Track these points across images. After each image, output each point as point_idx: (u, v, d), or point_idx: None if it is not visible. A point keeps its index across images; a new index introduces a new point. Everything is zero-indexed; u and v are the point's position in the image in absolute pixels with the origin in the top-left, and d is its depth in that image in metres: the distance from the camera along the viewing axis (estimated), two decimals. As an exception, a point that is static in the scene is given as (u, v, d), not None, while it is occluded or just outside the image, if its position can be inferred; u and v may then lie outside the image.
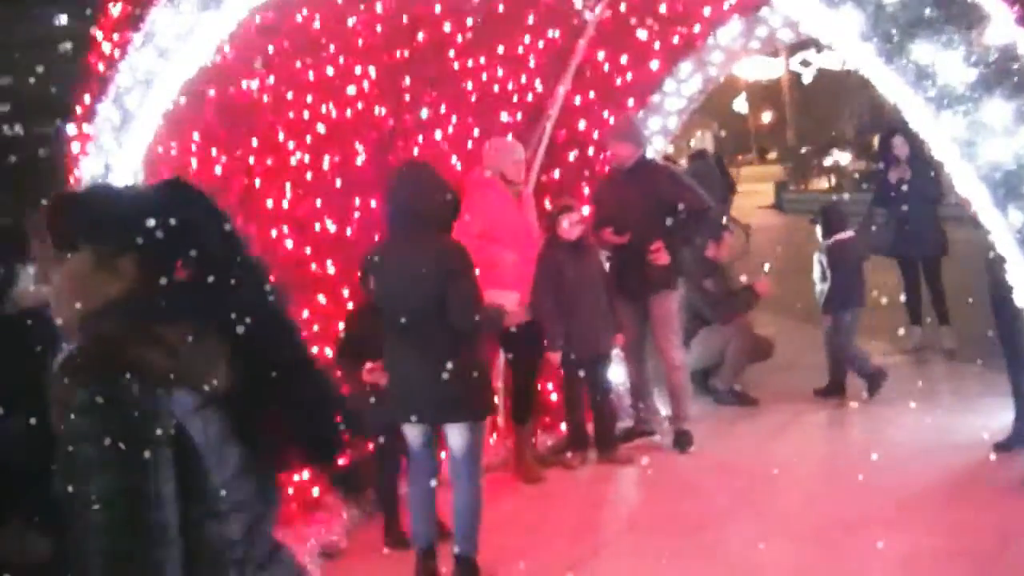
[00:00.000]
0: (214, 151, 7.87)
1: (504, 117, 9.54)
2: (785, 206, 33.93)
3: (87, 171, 6.57)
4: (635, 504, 8.17)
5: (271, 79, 8.24)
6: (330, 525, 7.62)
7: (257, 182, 8.23)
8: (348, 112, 8.76)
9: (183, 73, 6.09)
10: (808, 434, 9.27)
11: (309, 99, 8.51)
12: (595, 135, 9.80)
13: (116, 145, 6.26)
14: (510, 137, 8.93)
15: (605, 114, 9.75)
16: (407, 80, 9.09)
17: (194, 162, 7.69)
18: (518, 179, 8.37)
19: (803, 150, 40.53)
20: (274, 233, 8.22)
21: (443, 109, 9.28)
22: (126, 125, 5.81)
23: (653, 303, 8.77)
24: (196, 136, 7.71)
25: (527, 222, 8.48)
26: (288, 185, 8.36)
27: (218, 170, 7.89)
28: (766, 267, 10.98)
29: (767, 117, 54.38)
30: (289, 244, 8.25)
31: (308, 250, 8.42)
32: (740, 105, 54.16)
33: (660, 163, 9.33)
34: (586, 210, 9.10)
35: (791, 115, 45.91)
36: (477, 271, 6.56)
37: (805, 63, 44.25)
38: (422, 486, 6.66)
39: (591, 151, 9.92)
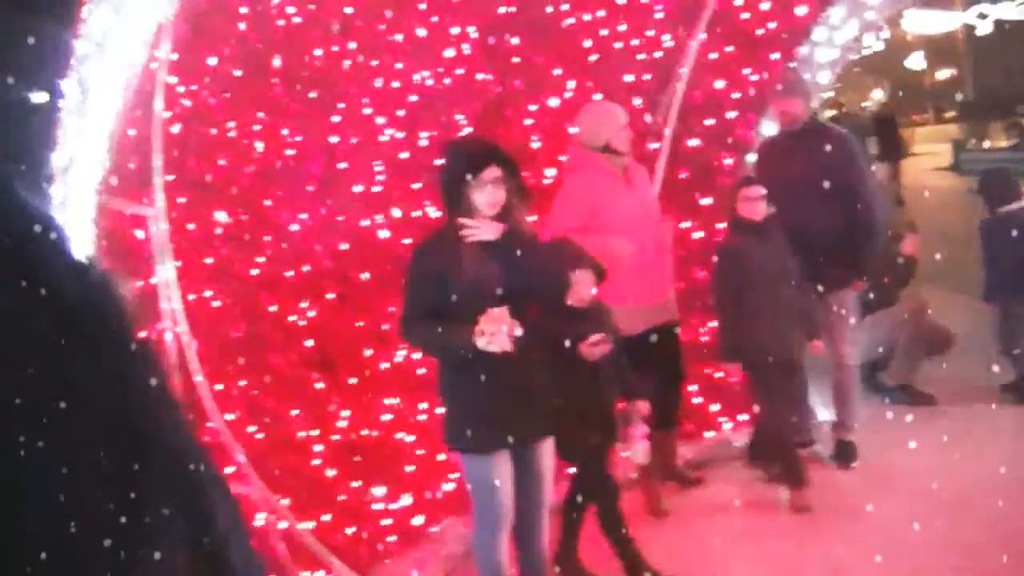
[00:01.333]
0: (285, 131, 6.79)
1: (628, 78, 8.33)
2: (963, 167, 31.75)
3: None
4: (774, 538, 6.83)
5: (351, 44, 7.14)
6: (427, 563, 6.53)
7: (341, 164, 7.15)
8: (446, 79, 7.64)
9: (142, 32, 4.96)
10: (998, 444, 7.65)
11: (399, 66, 7.41)
12: (735, 96, 8.45)
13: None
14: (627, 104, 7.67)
15: (746, 70, 8.40)
16: (514, 39, 7.93)
17: (259, 144, 6.62)
18: (624, 148, 6.98)
19: (983, 107, 38.26)
20: (366, 222, 7.16)
21: (558, 71, 8.08)
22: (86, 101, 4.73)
23: (830, 297, 7.40)
24: (261, 114, 6.64)
25: (642, 201, 7.03)
26: (380, 165, 7.26)
27: (291, 152, 6.81)
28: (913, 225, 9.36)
29: (943, 74, 51.94)
30: (385, 234, 7.18)
31: (408, 240, 7.30)
32: (913, 62, 51.90)
33: (838, 129, 7.88)
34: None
35: (968, 70, 43.62)
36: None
37: (982, 15, 42.16)
38: None
39: (731, 114, 8.57)
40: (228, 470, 5.75)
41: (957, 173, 31.02)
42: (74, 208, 4.61)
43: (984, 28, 43.08)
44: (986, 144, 34.93)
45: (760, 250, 6.85)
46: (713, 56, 8.52)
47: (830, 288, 7.20)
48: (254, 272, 6.52)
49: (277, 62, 6.72)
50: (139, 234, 5.46)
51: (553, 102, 8.06)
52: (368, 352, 7.08)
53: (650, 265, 6.89)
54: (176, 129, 6.01)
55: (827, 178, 7.11)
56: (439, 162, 5.38)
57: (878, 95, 44.18)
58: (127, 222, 5.47)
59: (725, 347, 7.04)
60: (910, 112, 47.98)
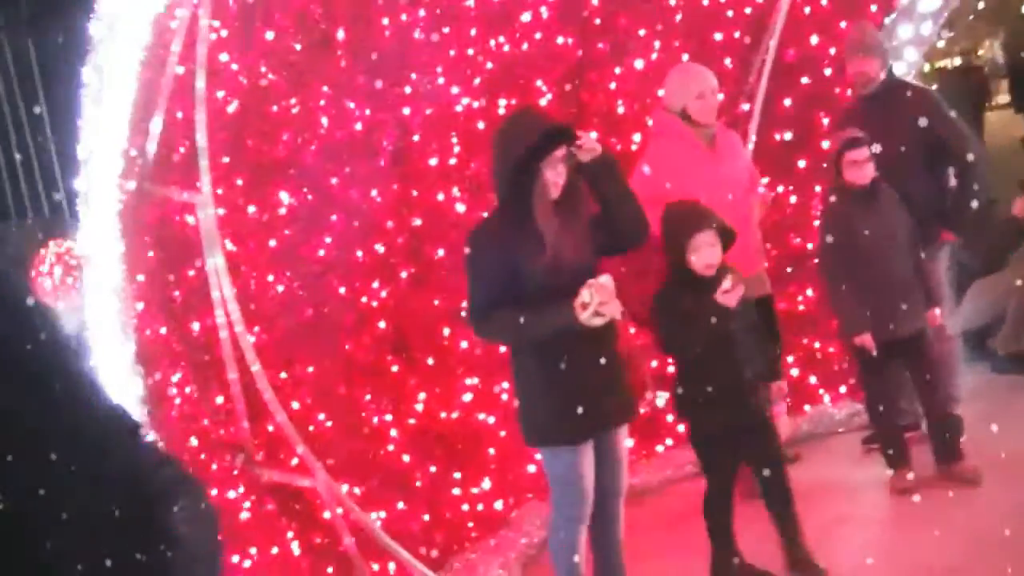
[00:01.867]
0: (351, 104, 6.51)
1: (718, 36, 7.92)
2: None
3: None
4: (873, 522, 6.42)
5: (421, 12, 6.82)
6: (505, 550, 6.28)
7: (416, 137, 6.87)
8: (524, 44, 7.30)
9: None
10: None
11: (473, 32, 7.09)
12: (832, 52, 7.98)
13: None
14: (722, 65, 7.26)
15: (843, 24, 7.90)
16: (594, 0, 7.54)
17: (324, 120, 6.35)
18: (705, 118, 6.53)
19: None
20: (441, 196, 6.88)
21: (642, 32, 7.69)
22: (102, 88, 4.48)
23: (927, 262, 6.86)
24: (325, 88, 6.37)
25: (727, 172, 6.54)
26: (455, 137, 6.97)
27: (358, 127, 6.54)
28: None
29: None
30: (461, 208, 6.89)
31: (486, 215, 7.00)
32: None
33: (917, 85, 7.39)
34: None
35: None
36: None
37: None
38: None
39: (828, 72, 8.11)
40: (292, 462, 5.54)
41: None
42: (97, 200, 4.44)
43: None
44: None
45: (869, 218, 6.38)
46: (807, 10, 8.07)
47: (925, 251, 6.72)
48: (321, 253, 6.27)
49: (341, 34, 6.42)
50: (192, 221, 5.22)
51: (638, 65, 7.67)
52: (446, 332, 6.82)
53: (737, 240, 6.45)
54: (232, 108, 5.76)
55: (913, 139, 6.68)
56: (497, 137, 5.06)
57: (993, 45, 42.65)
58: (177, 210, 5.24)
59: (842, 326, 6.67)
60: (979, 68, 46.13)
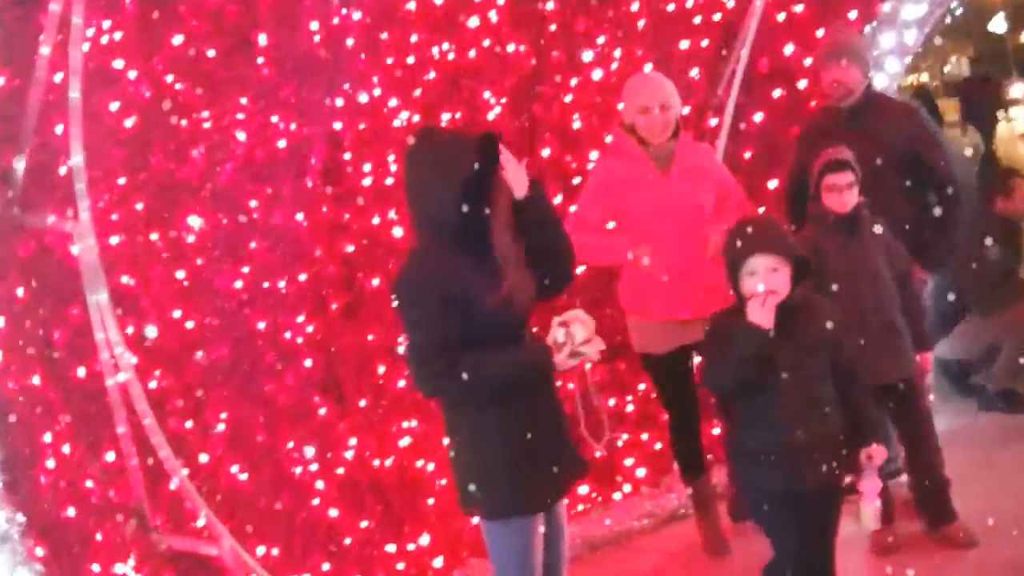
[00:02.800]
0: (274, 117, 5.85)
1: (684, 45, 7.29)
2: None
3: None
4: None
5: (356, 15, 6.18)
6: None
7: (348, 154, 6.23)
8: (471, 52, 6.66)
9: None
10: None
11: (414, 38, 6.46)
12: (808, 62, 7.36)
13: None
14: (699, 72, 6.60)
15: (820, 33, 7.29)
16: (549, 3, 6.94)
17: (243, 135, 5.69)
18: (651, 136, 5.83)
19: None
20: (376, 220, 6.25)
21: (602, 39, 7.07)
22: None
23: None
24: (244, 100, 5.71)
25: (677, 200, 5.80)
26: (392, 155, 6.33)
27: (283, 144, 5.88)
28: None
29: None
30: (398, 232, 6.24)
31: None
32: (996, 26, 50.19)
33: (902, 101, 6.76)
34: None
35: None
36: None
37: None
38: None
39: (803, 84, 7.51)
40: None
41: None
42: None
43: None
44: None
45: (848, 251, 5.64)
46: (781, 17, 7.48)
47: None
48: (238, 285, 5.61)
49: (263, 39, 5.77)
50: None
51: (597, 75, 7.04)
52: (381, 369, 6.17)
53: (684, 273, 5.77)
54: (131, 122, 5.08)
55: (894, 161, 6.05)
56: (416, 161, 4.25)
57: (959, 61, 42.77)
58: (60, 239, 4.55)
59: None
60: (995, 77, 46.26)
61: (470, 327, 4.06)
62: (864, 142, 5.95)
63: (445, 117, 6.56)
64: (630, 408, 6.97)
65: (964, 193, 6.33)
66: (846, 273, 5.59)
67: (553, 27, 6.99)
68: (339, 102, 6.18)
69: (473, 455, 4.27)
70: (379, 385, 6.16)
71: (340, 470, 5.89)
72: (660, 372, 6.05)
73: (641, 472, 6.87)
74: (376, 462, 6.05)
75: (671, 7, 7.23)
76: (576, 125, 7.04)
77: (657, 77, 6.01)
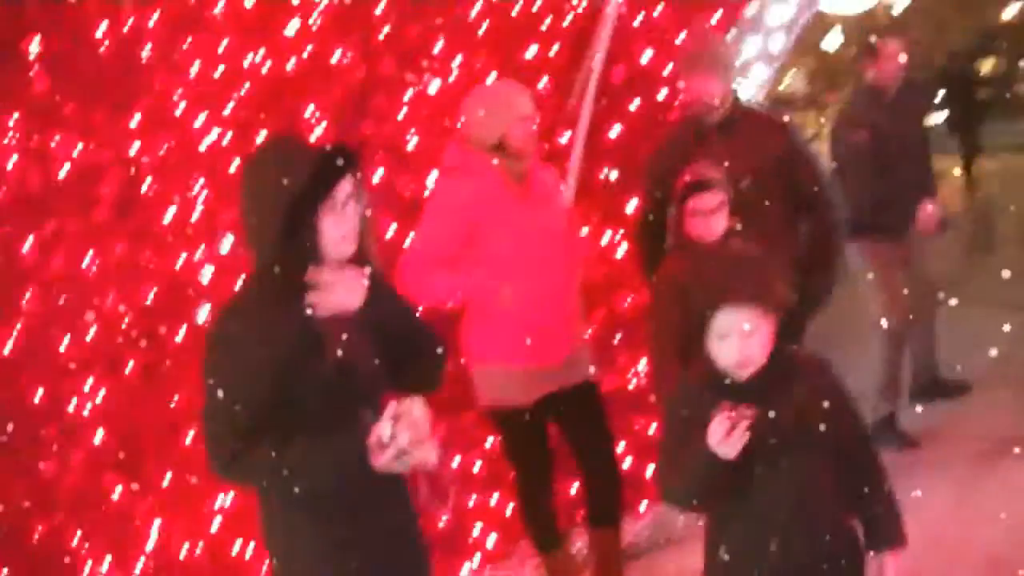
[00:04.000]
0: (57, 138, 4.92)
1: (531, 53, 6.51)
2: None
3: None
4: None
5: (152, 18, 5.29)
6: None
7: (147, 183, 5.36)
8: (290, 62, 5.82)
9: None
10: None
11: (222, 46, 5.60)
12: (668, 70, 6.66)
13: None
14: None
15: (680, 37, 6.59)
16: (378, 7, 6.10)
17: (12, 160, 4.75)
18: (524, 146, 5.14)
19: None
20: (181, 261, 5.36)
21: (439, 48, 6.26)
22: None
23: None
24: (13, 119, 4.78)
25: (540, 223, 5.12)
26: (200, 183, 5.49)
27: (65, 170, 4.95)
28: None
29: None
30: (206, 276, 5.34)
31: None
32: (828, 43, 51.37)
33: (773, 114, 6.08)
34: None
35: None
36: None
37: None
38: None
39: (663, 94, 6.77)
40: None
41: None
42: None
43: (900, 6, 42.92)
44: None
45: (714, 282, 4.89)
46: (637, 21, 6.74)
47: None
48: (7, 349, 4.66)
49: (35, 46, 4.84)
50: None
51: (434, 87, 6.22)
52: (189, 438, 5.22)
53: (552, 312, 5.06)
54: None
55: (768, 184, 5.40)
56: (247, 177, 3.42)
57: (795, 77, 43.45)
58: None
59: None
60: (827, 93, 47.36)
61: (292, 397, 3.21)
62: (732, 160, 5.24)
63: (261, 136, 5.69)
64: (477, 466, 6.14)
65: (839, 220, 5.78)
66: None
67: (383, 33, 6.16)
68: (134, 121, 5.31)
69: (285, 558, 3.44)
70: (187, 457, 5.22)
71: (140, 562, 4.96)
72: (517, 427, 5.26)
73: (491, 540, 6.04)
74: (185, 547, 5.13)
75: (515, 11, 6.46)
76: (412, 144, 6.21)
77: (518, 87, 5.36)
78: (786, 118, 6.13)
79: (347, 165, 3.28)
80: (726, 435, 3.17)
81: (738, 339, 3.30)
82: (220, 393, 3.18)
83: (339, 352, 3.27)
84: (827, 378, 3.48)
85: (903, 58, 7.16)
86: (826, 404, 3.36)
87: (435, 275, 4.92)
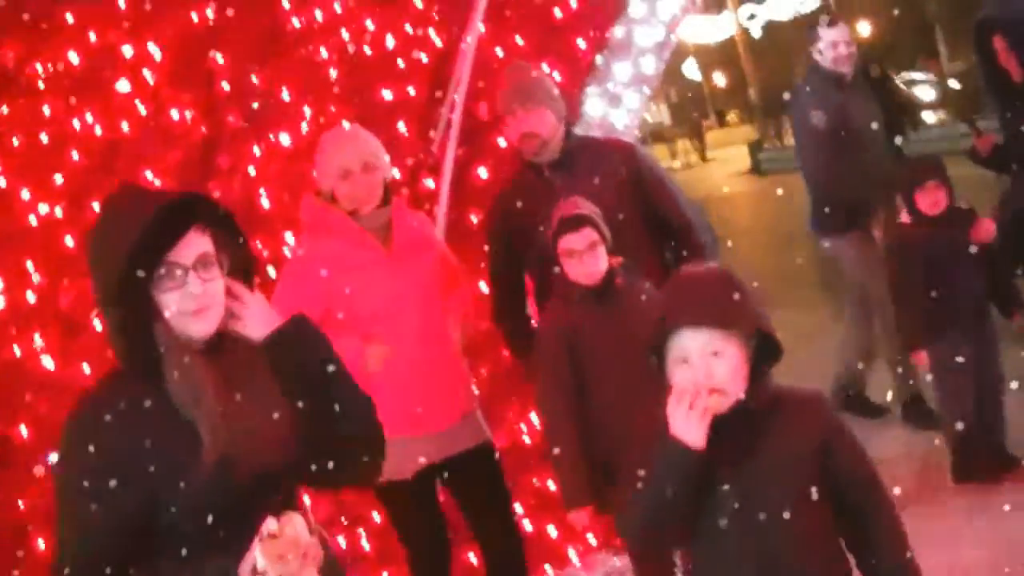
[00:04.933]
0: None
1: (387, 95, 6.07)
2: (763, 167, 31.20)
3: None
4: None
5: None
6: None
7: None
8: (124, 123, 5.30)
9: None
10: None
11: (47, 109, 5.07)
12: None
13: None
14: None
15: (544, 66, 6.11)
16: (218, 55, 5.61)
17: None
18: (357, 203, 4.63)
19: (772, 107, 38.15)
20: (18, 351, 4.83)
21: (287, 95, 5.79)
22: None
23: None
24: None
25: (407, 280, 4.61)
26: (31, 264, 5.01)
27: None
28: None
29: (721, 79, 52.17)
30: (49, 364, 4.86)
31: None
32: (690, 70, 52.10)
33: (611, 139, 5.68)
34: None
35: (750, 73, 43.43)
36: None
37: (751, 16, 42.86)
38: None
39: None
40: None
41: (757, 175, 30.56)
42: None
43: (756, 30, 43.97)
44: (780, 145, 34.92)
45: (609, 330, 4.45)
46: (500, 52, 6.28)
47: None
48: None
49: None
50: None
51: (285, 140, 5.76)
52: (41, 543, 4.71)
53: (427, 376, 4.58)
54: None
55: (628, 212, 4.94)
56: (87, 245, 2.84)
57: (657, 110, 44.08)
58: None
59: (563, 491, 4.71)
60: (693, 120, 48.17)
61: (166, 510, 2.65)
62: (577, 196, 4.78)
63: (97, 207, 5.18)
64: (366, 545, 5.63)
65: (707, 240, 5.47)
66: (609, 356, 4.44)
67: (225, 85, 5.68)
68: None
69: None
70: (37, 564, 4.66)
71: None
72: (400, 501, 4.76)
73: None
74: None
75: (368, 50, 6.00)
76: (265, 203, 5.73)
77: (355, 131, 4.81)
78: (631, 139, 5.77)
79: (193, 218, 2.73)
80: (686, 416, 2.76)
81: (700, 361, 2.81)
82: (77, 510, 2.64)
83: (218, 451, 2.67)
84: (821, 417, 2.96)
85: (851, 46, 7.05)
86: (817, 446, 2.88)
87: None
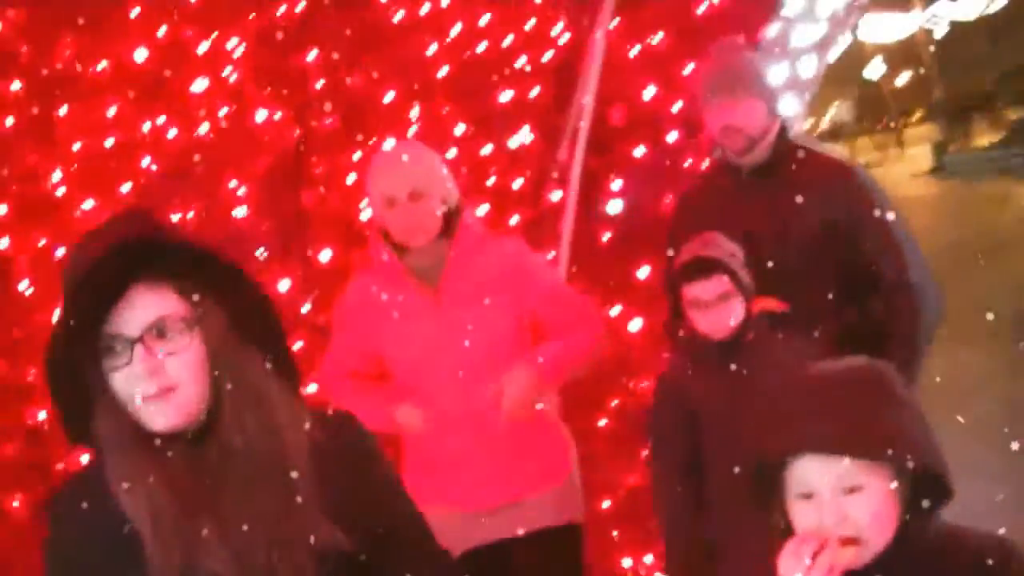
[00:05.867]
0: None
1: (505, 96, 5.39)
2: (949, 168, 30.52)
3: None
4: None
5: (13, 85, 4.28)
6: None
7: (21, 284, 4.37)
8: (203, 126, 4.72)
9: None
10: None
11: (112, 111, 4.52)
12: (677, 107, 5.47)
13: None
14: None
15: (688, 67, 5.42)
16: (310, 52, 4.99)
17: None
18: (405, 236, 3.80)
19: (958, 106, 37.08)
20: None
21: (390, 96, 5.17)
22: None
23: None
24: None
25: (451, 333, 3.76)
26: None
27: None
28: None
29: (902, 79, 51.30)
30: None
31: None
32: (870, 72, 51.43)
33: (830, 156, 4.69)
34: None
35: (934, 72, 42.39)
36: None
37: (934, 17, 42.33)
38: None
39: (673, 136, 5.55)
40: None
41: (940, 176, 30.03)
42: None
43: (941, 30, 43.35)
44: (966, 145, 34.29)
45: (733, 396, 3.59)
46: (634, 52, 5.57)
47: None
48: None
49: None
50: None
51: (389, 145, 5.10)
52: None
53: (473, 446, 3.78)
54: None
55: (824, 253, 4.05)
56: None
57: (839, 109, 43.20)
58: None
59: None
60: (874, 122, 47.68)
61: None
62: (775, 220, 4.03)
63: (174, 219, 4.65)
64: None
65: (927, 298, 4.22)
66: (725, 429, 3.57)
67: (320, 83, 5.08)
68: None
69: None
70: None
71: None
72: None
73: None
74: None
75: (481, 47, 5.34)
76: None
77: (406, 151, 3.99)
78: (854, 165, 4.73)
79: (140, 270, 2.02)
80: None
81: (831, 500, 2.07)
82: None
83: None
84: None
85: None
86: None
87: (342, 392, 3.87)
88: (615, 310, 5.40)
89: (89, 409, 2.04)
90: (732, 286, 3.64)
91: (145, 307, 2.00)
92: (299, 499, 2.02)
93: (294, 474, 2.04)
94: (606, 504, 5.28)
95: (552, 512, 3.91)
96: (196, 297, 2.04)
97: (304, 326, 4.93)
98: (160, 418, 2.01)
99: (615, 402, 5.42)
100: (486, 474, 3.76)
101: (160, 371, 1.99)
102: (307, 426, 2.11)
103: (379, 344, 3.82)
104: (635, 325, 5.48)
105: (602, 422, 5.35)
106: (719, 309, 3.63)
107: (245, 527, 2.00)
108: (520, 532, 3.82)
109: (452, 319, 3.74)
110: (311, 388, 4.26)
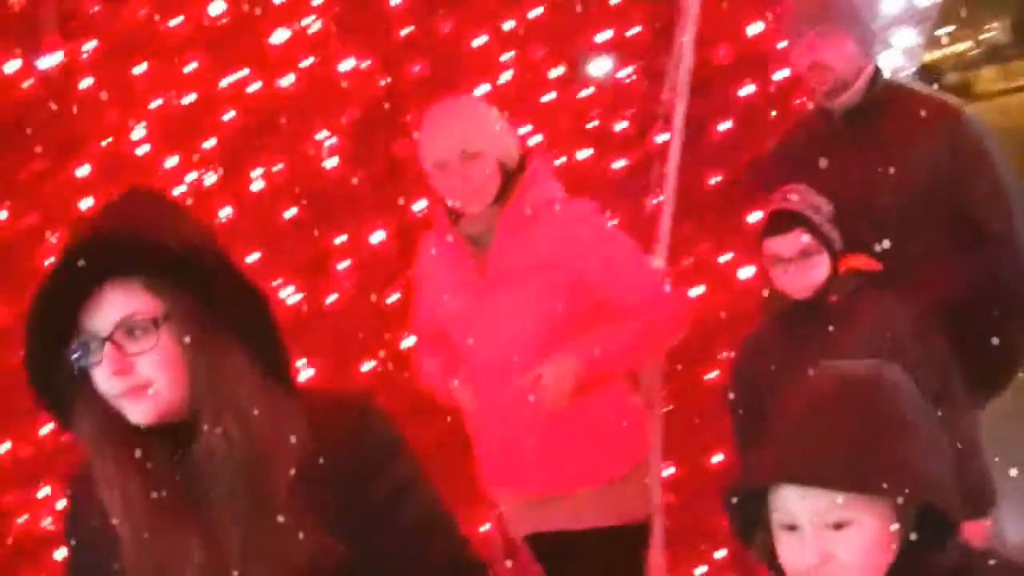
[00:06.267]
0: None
1: (603, 36, 5.19)
2: None
3: None
4: None
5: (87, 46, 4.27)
6: None
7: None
8: (286, 77, 4.65)
9: None
10: None
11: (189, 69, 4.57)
12: (783, 43, 5.16)
13: None
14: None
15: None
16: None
17: None
18: (458, 198, 3.56)
19: None
20: None
21: (481, 40, 5.03)
22: None
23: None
24: None
25: (493, 310, 3.50)
26: None
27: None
28: None
29: None
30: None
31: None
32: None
33: (933, 96, 4.40)
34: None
35: None
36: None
37: None
38: None
39: (782, 74, 5.22)
40: None
41: None
42: None
43: None
44: None
45: (807, 360, 3.40)
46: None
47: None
48: None
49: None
50: None
51: (481, 91, 4.97)
52: None
53: (515, 430, 3.52)
54: None
55: (924, 199, 3.74)
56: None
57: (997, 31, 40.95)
58: None
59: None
60: None
61: None
62: (869, 169, 3.73)
63: (256, 174, 4.58)
64: None
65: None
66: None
67: (408, 30, 4.95)
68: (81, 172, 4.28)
69: None
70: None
71: None
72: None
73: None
74: None
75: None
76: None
77: (456, 107, 3.73)
78: (961, 106, 4.33)
79: (110, 268, 1.92)
80: None
81: (813, 536, 1.84)
82: None
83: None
84: None
85: None
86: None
87: (417, 354, 3.81)
88: (725, 257, 5.23)
89: (74, 398, 1.98)
90: (814, 242, 3.40)
91: (114, 305, 1.90)
92: (280, 518, 1.91)
93: (278, 484, 1.93)
94: (717, 459, 5.11)
95: (605, 511, 3.63)
96: (169, 295, 1.93)
97: (400, 277, 4.86)
98: (136, 414, 1.93)
99: (724, 354, 5.24)
100: (531, 463, 3.53)
101: (130, 370, 1.90)
102: (302, 427, 1.99)
103: (436, 313, 3.68)
104: (746, 273, 5.28)
105: (712, 374, 5.14)
106: (800, 266, 3.40)
107: (223, 539, 1.92)
108: (572, 527, 3.61)
109: (496, 295, 3.51)
110: (409, 341, 4.18)
